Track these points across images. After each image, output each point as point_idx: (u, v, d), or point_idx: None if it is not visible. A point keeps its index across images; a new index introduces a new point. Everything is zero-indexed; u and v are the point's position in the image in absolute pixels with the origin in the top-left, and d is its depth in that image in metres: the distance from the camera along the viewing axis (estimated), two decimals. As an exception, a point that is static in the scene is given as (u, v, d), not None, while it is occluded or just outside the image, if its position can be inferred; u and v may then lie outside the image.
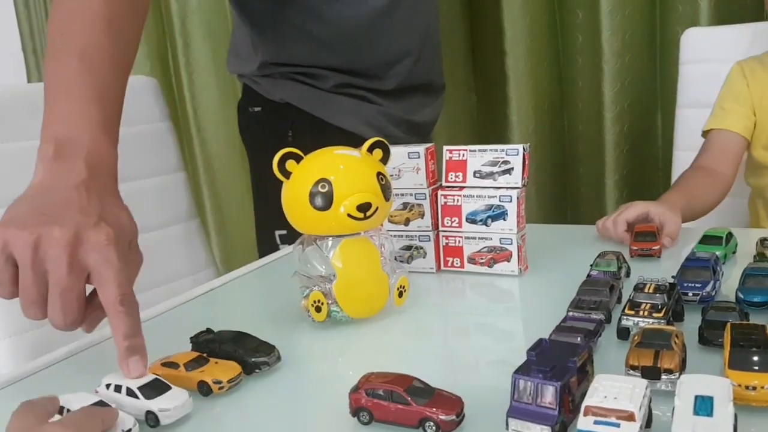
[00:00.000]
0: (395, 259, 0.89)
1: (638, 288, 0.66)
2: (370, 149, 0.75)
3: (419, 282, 0.86)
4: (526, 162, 0.83)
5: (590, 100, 1.55)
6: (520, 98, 1.57)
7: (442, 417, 0.49)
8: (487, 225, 0.85)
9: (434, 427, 0.50)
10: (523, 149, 0.83)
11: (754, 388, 0.49)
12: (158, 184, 1.25)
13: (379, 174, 0.72)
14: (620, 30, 1.45)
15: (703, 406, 0.44)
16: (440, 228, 0.88)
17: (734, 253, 0.85)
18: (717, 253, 0.80)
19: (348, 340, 0.71)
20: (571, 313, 0.66)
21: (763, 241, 0.82)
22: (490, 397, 0.52)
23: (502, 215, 0.84)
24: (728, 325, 0.56)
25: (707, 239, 0.84)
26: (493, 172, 0.84)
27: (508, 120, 1.60)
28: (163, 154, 1.28)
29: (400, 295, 0.75)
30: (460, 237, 0.87)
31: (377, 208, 0.70)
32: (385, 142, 0.75)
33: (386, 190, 0.72)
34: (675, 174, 1.34)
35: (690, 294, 0.68)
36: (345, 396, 0.53)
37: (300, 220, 0.72)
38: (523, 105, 1.58)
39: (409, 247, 0.90)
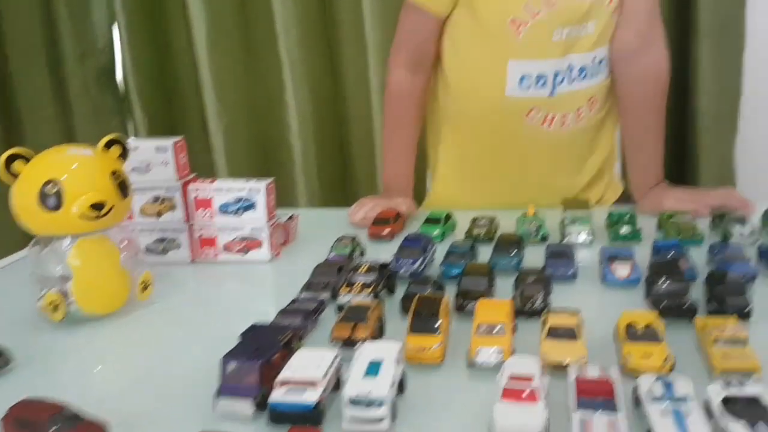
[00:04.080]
0: (148, 251, 0.91)
1: (355, 269, 0.75)
2: (108, 146, 0.76)
3: (175, 273, 0.90)
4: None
5: (359, 84, 1.65)
6: (296, 84, 1.63)
7: None
8: (238, 216, 0.90)
9: None
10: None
11: (426, 349, 0.61)
12: None
13: (114, 172, 0.74)
14: (381, 24, 1.55)
15: (373, 368, 0.54)
16: (193, 220, 0.92)
17: (453, 231, 0.99)
18: (436, 232, 0.94)
19: (90, 336, 0.73)
20: (302, 295, 0.74)
21: (474, 220, 0.97)
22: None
23: (252, 206, 0.90)
24: (417, 297, 0.67)
25: (429, 221, 0.97)
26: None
27: (286, 104, 1.66)
28: None
29: (145, 289, 0.78)
30: (214, 228, 0.91)
31: (113, 207, 0.72)
32: (122, 139, 0.77)
33: (123, 188, 0.74)
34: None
35: (402, 270, 0.80)
36: (85, 392, 0.53)
37: (31, 221, 0.72)
38: (299, 91, 1.64)
39: (162, 240, 0.92)
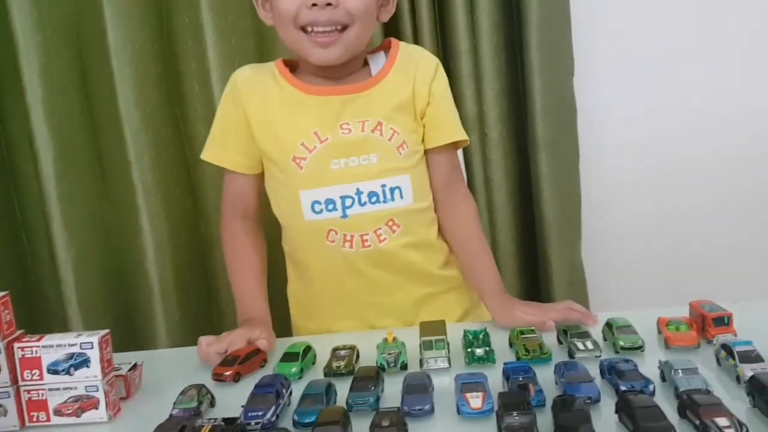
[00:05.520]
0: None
1: (196, 431, 0.70)
2: None
3: (-2, 445, 0.79)
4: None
5: (219, 210, 1.62)
6: (151, 208, 1.57)
7: None
8: (70, 374, 0.82)
9: None
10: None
11: None
12: None
13: None
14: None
15: None
16: (20, 383, 0.82)
17: (313, 364, 0.96)
18: (293, 369, 0.90)
19: None
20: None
21: (334, 351, 0.95)
22: None
23: (85, 363, 0.82)
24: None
25: (286, 356, 0.93)
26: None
27: (141, 229, 1.58)
28: None
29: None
30: (43, 390, 0.82)
31: None
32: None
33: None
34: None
35: (253, 423, 0.75)
36: None
37: None
38: (155, 215, 1.58)
39: (-16, 408, 0.82)
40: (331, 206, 1.08)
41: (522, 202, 1.65)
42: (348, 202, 1.08)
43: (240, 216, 1.19)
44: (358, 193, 1.08)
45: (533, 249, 1.64)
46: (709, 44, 1.66)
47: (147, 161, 1.56)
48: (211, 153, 1.17)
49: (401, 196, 1.10)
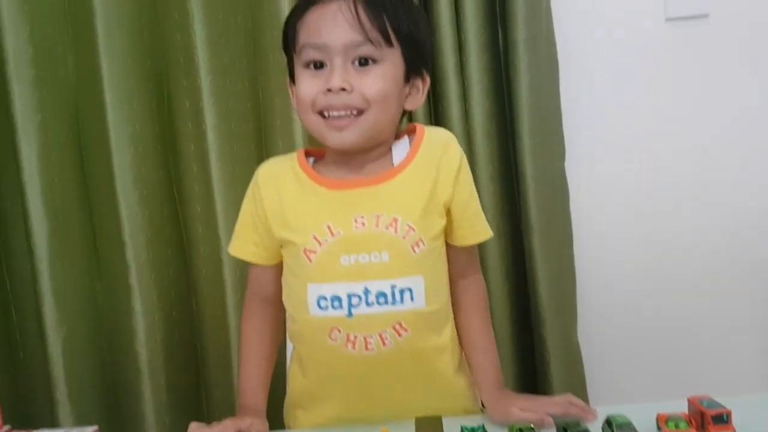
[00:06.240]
0: None
1: None
2: None
3: None
4: None
5: (214, 283, 1.61)
6: (144, 288, 1.56)
7: None
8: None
9: None
10: None
11: None
12: None
13: None
14: (232, 219, 1.55)
15: None
16: (2, 484, 0.80)
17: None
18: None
19: None
20: None
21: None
22: None
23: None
24: None
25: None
26: None
27: (132, 309, 1.57)
28: None
29: None
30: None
31: None
32: None
33: None
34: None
35: None
36: None
37: None
38: (147, 295, 1.57)
39: None
40: (336, 303, 1.03)
41: (517, 283, 1.65)
42: (355, 300, 1.02)
43: (260, 301, 1.17)
44: (366, 292, 1.02)
45: (529, 331, 1.63)
46: (704, 128, 1.70)
47: (142, 240, 1.56)
48: (234, 247, 1.17)
49: (412, 299, 1.03)
